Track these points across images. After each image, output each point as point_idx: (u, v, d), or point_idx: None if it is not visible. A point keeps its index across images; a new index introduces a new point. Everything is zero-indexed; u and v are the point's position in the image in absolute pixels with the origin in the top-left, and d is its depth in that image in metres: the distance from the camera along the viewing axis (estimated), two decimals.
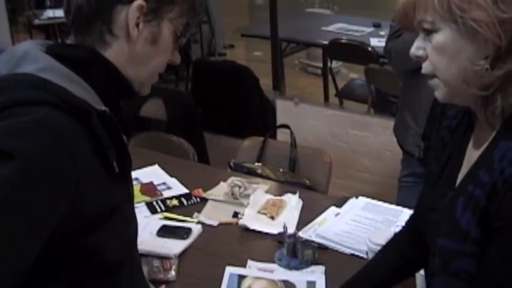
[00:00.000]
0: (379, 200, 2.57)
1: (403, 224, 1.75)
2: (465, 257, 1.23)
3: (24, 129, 1.07)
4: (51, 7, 6.68)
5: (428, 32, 1.21)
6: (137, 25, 1.25)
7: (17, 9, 7.88)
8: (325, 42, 5.05)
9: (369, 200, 2.56)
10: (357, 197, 2.58)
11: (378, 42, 4.90)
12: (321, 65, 5.83)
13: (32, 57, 1.20)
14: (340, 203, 2.54)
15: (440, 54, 1.21)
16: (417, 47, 1.25)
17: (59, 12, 6.01)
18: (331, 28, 5.47)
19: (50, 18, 6.44)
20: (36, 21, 6.69)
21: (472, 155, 1.31)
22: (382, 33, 5.10)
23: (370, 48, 4.73)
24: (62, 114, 1.12)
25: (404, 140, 2.93)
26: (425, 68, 1.25)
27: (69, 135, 1.12)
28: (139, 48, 1.27)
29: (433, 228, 1.36)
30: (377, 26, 5.34)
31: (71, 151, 1.11)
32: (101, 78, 1.25)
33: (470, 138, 1.35)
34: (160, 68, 1.34)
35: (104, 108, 1.21)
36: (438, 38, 1.20)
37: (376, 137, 4.19)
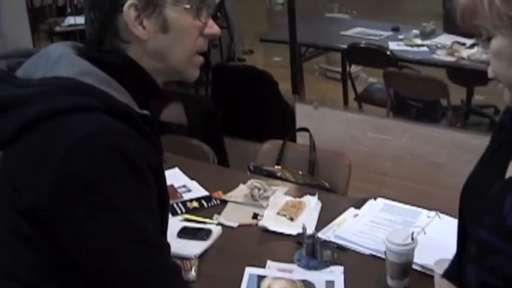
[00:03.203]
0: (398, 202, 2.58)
1: (421, 224, 1.72)
2: (504, 256, 1.20)
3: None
4: (72, 14, 6.75)
5: (486, 38, 1.20)
6: (141, 23, 1.26)
7: (39, 16, 7.95)
8: (344, 46, 5.06)
9: (387, 201, 2.57)
10: (375, 199, 2.59)
11: (396, 46, 4.91)
12: (340, 69, 5.84)
13: (68, 61, 1.22)
14: (358, 205, 2.54)
15: (499, 59, 1.19)
16: (481, 52, 1.23)
17: (80, 19, 6.07)
18: (350, 32, 5.46)
19: (71, 25, 6.50)
20: (58, 29, 6.76)
21: None
22: (400, 36, 5.11)
23: (388, 52, 4.74)
24: (110, 118, 1.16)
25: None
26: (490, 73, 1.23)
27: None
28: (154, 43, 1.29)
29: (474, 216, 1.32)
30: (395, 30, 5.33)
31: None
32: (134, 82, 1.27)
33: None
34: (194, 48, 1.34)
35: (145, 111, 1.24)
36: (494, 43, 1.18)
37: (395, 140, 4.19)
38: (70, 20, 6.64)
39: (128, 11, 1.25)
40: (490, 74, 1.23)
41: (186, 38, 1.32)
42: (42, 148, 1.13)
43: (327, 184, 2.97)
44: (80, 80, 1.17)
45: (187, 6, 1.30)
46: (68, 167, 1.10)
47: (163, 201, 1.33)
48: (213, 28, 1.35)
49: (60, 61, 1.22)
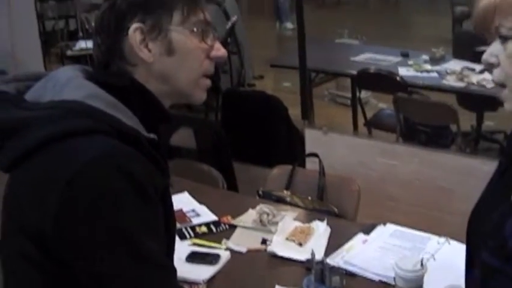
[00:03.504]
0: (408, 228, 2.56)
1: (431, 250, 1.72)
2: (506, 278, 1.20)
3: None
4: (83, 38, 6.81)
5: (505, 39, 1.18)
6: (146, 46, 1.27)
7: (51, 40, 8.03)
8: (354, 72, 5.07)
9: (397, 227, 2.56)
10: (384, 224, 2.58)
11: (406, 72, 4.92)
12: (349, 95, 5.86)
13: (76, 84, 1.23)
14: (368, 230, 2.53)
15: None
16: (491, 53, 1.21)
17: (91, 44, 6.12)
18: (359, 58, 5.48)
19: (82, 49, 6.57)
20: (69, 52, 6.83)
21: None
22: (410, 62, 5.12)
23: (398, 78, 4.74)
24: (117, 141, 1.17)
25: None
26: (496, 76, 1.21)
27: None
28: (160, 66, 1.30)
29: (479, 240, 1.31)
30: (405, 55, 5.34)
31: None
32: (142, 106, 1.28)
33: None
34: (200, 71, 1.34)
35: (152, 135, 1.25)
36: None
37: (404, 166, 4.17)
38: (81, 44, 6.71)
39: (133, 34, 1.26)
40: (496, 78, 1.22)
41: (192, 61, 1.32)
42: (49, 171, 1.14)
43: (336, 209, 2.96)
44: (87, 103, 1.18)
45: (193, 29, 1.30)
46: (73, 190, 1.11)
47: (169, 225, 1.33)
48: (219, 50, 1.36)
49: (68, 84, 1.23)
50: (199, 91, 1.36)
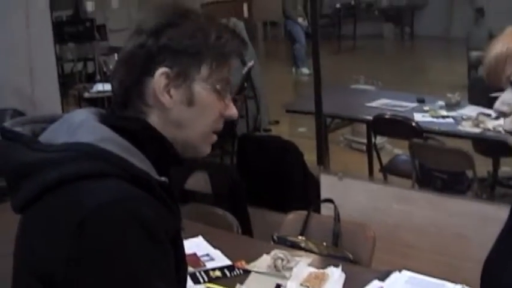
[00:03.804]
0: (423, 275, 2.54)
1: None
2: None
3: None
4: (101, 81, 6.87)
5: None
6: (168, 92, 1.28)
7: (68, 82, 8.13)
8: (370, 117, 5.08)
9: (412, 273, 2.53)
10: (400, 271, 2.56)
11: (421, 117, 4.92)
12: (365, 140, 5.85)
13: (89, 127, 1.24)
14: (383, 277, 2.51)
15: None
16: (502, 102, 1.21)
17: (108, 86, 6.17)
18: (375, 104, 5.49)
19: (99, 92, 6.63)
20: (86, 94, 6.89)
21: None
22: (425, 108, 5.12)
23: (414, 123, 4.74)
24: (129, 184, 1.17)
25: None
26: (508, 124, 1.22)
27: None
28: (177, 113, 1.30)
29: None
30: (421, 101, 5.34)
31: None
32: (154, 149, 1.28)
33: None
34: (212, 127, 1.35)
35: (163, 178, 1.25)
36: None
37: (420, 212, 4.15)
38: (99, 87, 6.78)
39: (159, 78, 1.27)
40: (508, 127, 1.21)
41: (208, 116, 1.33)
42: (60, 213, 1.15)
43: (351, 256, 2.95)
44: (100, 146, 1.19)
45: (216, 86, 1.31)
46: (84, 233, 1.11)
47: (181, 269, 1.33)
48: (232, 110, 1.37)
49: (82, 127, 1.24)
50: (205, 145, 1.37)
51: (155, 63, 1.27)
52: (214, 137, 1.38)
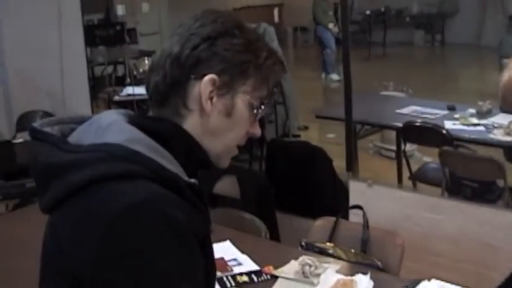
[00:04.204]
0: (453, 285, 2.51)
1: None
2: None
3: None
4: (130, 84, 6.91)
5: None
6: (211, 99, 1.28)
7: (98, 85, 8.20)
8: (399, 125, 5.06)
9: (442, 283, 2.51)
10: (429, 280, 2.53)
11: (452, 125, 4.88)
12: (394, 148, 5.82)
13: (118, 128, 1.24)
14: (411, 286, 2.48)
15: None
16: None
17: (138, 90, 6.23)
18: (405, 111, 5.46)
19: (129, 95, 6.65)
20: (116, 98, 6.92)
21: None
22: (456, 115, 5.08)
23: (444, 131, 4.70)
24: (158, 186, 1.17)
25: None
26: None
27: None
28: (213, 121, 1.30)
29: None
30: (451, 108, 5.31)
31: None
32: (183, 151, 1.28)
33: None
34: (238, 141, 1.36)
35: (193, 180, 1.25)
36: None
37: (449, 221, 4.11)
38: (128, 90, 6.81)
39: (207, 83, 1.27)
40: None
41: (240, 130, 1.34)
42: (89, 214, 1.14)
43: (379, 263, 2.93)
44: (128, 147, 1.19)
45: (254, 103, 1.32)
46: (112, 235, 1.11)
47: (210, 273, 1.32)
48: (256, 129, 1.38)
49: (110, 128, 1.24)
50: (227, 158, 1.38)
51: (204, 68, 1.28)
52: (236, 151, 1.39)
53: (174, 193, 1.19)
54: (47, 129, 1.29)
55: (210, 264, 1.35)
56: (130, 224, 1.12)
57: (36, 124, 1.31)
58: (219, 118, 1.30)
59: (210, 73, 1.27)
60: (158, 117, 1.31)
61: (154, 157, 1.21)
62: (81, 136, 1.26)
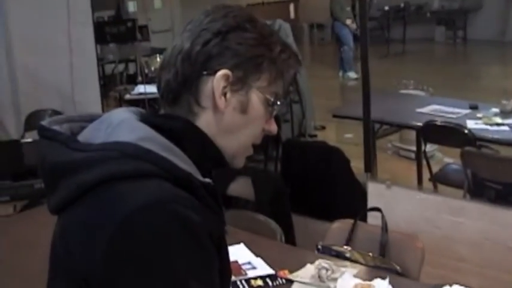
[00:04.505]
0: None
1: None
2: None
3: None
4: (142, 82, 6.93)
5: None
6: (224, 95, 1.28)
7: (109, 83, 8.24)
8: (419, 124, 5.03)
9: None
10: (451, 285, 2.52)
11: (474, 125, 4.85)
12: (414, 148, 5.80)
13: (129, 126, 1.24)
14: None
15: None
16: None
17: (150, 88, 6.24)
18: (425, 110, 5.43)
19: (141, 94, 6.67)
20: (127, 96, 6.95)
21: None
22: (479, 115, 5.04)
23: (466, 131, 4.68)
24: (171, 185, 1.17)
25: None
26: None
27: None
28: (228, 118, 1.29)
29: None
30: (474, 107, 5.27)
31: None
32: (197, 150, 1.28)
33: None
34: (253, 139, 1.35)
35: (207, 180, 1.25)
36: None
37: (472, 224, 4.09)
38: (140, 89, 6.83)
39: (220, 79, 1.27)
40: None
41: (255, 127, 1.34)
42: (99, 215, 1.14)
43: (398, 268, 2.92)
44: (140, 145, 1.19)
45: (270, 98, 1.32)
46: (123, 236, 1.11)
47: (224, 275, 1.32)
48: (272, 126, 1.37)
49: (121, 126, 1.24)
50: (242, 158, 1.38)
51: (216, 63, 1.27)
52: (251, 151, 1.38)
53: (187, 193, 1.19)
54: (56, 128, 1.29)
55: (225, 267, 1.35)
56: (142, 225, 1.11)
57: (45, 122, 1.30)
58: (233, 115, 1.30)
59: (222, 68, 1.27)
60: (170, 115, 1.31)
61: (167, 156, 1.20)
62: (91, 134, 1.26)
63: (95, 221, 1.14)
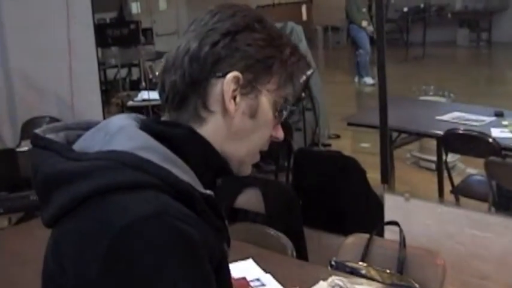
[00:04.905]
0: None
1: None
2: None
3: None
4: (146, 88, 6.94)
5: None
6: (234, 98, 1.28)
7: (111, 89, 8.26)
8: (440, 132, 5.02)
9: None
10: None
11: (500, 133, 4.84)
12: (435, 158, 5.79)
13: (128, 134, 1.24)
14: None
15: None
16: None
17: (154, 95, 6.26)
18: (446, 117, 5.43)
19: (145, 100, 6.69)
20: (130, 103, 6.97)
21: None
22: (504, 122, 5.04)
23: (491, 140, 4.66)
24: (168, 198, 1.16)
25: None
26: None
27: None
28: (237, 123, 1.30)
29: None
30: (499, 115, 5.26)
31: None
32: (199, 159, 1.28)
33: None
34: (261, 144, 1.36)
35: (208, 191, 1.25)
36: None
37: (497, 239, 4.07)
38: (144, 95, 6.85)
39: (230, 81, 1.27)
40: None
41: (264, 132, 1.34)
42: (92, 229, 1.14)
43: (417, 285, 2.91)
44: (138, 155, 1.19)
45: (280, 101, 1.32)
46: (117, 250, 1.10)
47: None
48: (279, 132, 1.38)
49: (119, 134, 1.23)
50: (249, 165, 1.38)
51: (225, 65, 1.27)
52: (259, 157, 1.38)
53: (186, 205, 1.18)
54: (51, 136, 1.29)
55: (226, 285, 1.34)
56: (137, 239, 1.11)
57: (39, 130, 1.30)
58: (243, 119, 1.30)
59: (232, 70, 1.27)
60: (172, 122, 1.31)
61: (167, 166, 1.20)
62: (88, 143, 1.26)
63: (88, 236, 1.14)
